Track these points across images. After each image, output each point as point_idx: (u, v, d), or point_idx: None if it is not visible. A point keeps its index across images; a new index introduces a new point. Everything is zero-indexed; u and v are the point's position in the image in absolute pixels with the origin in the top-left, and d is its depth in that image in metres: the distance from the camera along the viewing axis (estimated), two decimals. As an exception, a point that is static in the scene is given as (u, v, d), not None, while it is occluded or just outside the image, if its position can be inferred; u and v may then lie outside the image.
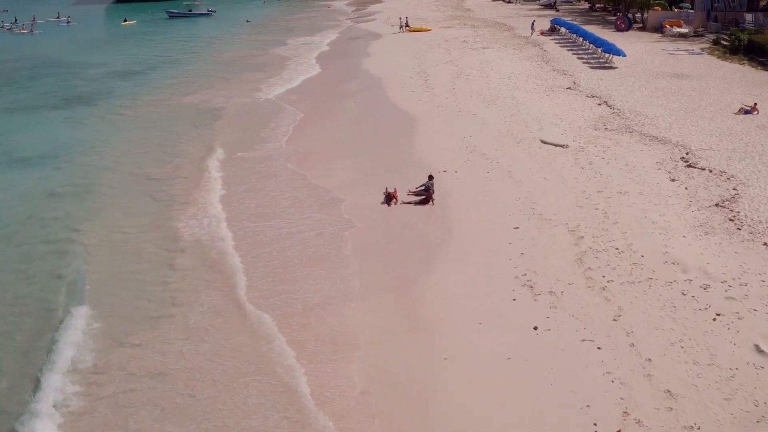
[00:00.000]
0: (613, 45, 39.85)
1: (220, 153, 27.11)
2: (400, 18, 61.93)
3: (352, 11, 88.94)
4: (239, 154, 27.03)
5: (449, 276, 16.59)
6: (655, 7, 55.65)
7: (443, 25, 63.37)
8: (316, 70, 44.15)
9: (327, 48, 53.75)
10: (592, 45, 42.99)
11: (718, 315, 14.31)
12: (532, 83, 35.79)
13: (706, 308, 14.56)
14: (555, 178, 22.20)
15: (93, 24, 78.61)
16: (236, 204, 21.99)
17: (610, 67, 39.08)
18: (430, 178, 21.49)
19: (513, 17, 67.19)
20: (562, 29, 52.28)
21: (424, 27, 61.00)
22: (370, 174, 23.89)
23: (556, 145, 25.25)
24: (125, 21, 74.63)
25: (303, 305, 15.59)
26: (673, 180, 21.62)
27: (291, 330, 14.66)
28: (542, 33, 53.21)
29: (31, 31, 70.28)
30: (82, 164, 26.93)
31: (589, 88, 34.35)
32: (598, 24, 58.78)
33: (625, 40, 48.31)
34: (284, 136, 29.29)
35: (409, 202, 21.08)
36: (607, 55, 39.85)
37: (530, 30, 53.98)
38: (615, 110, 30.01)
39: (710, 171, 22.24)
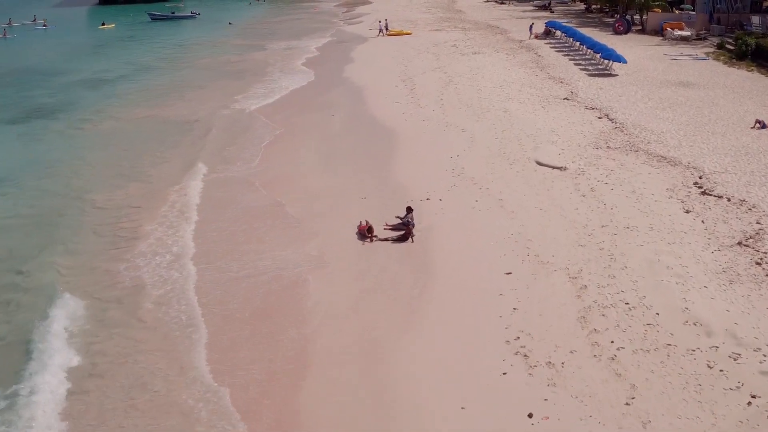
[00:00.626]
0: (612, 50, 37.19)
1: (182, 176, 24.27)
2: (379, 21, 58.96)
3: (340, 13, 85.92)
4: (204, 177, 24.17)
5: (428, 340, 13.86)
6: (655, 9, 53.04)
7: (433, 27, 60.68)
8: (295, 78, 41.24)
9: (308, 53, 50.75)
10: (590, 50, 40.31)
11: (753, 397, 11.64)
12: (526, 93, 33.11)
13: (738, 387, 11.87)
14: (553, 208, 19.50)
15: (70, 27, 75.55)
16: (192, 240, 19.21)
17: (610, 75, 36.44)
18: (409, 210, 18.78)
19: (506, 19, 64.53)
20: (558, 32, 49.63)
21: (405, 30, 58.21)
22: (345, 202, 21.18)
23: (553, 168, 22.57)
24: (103, 25, 71.58)
25: (238, 380, 12.83)
26: (687, 211, 18.93)
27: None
28: (536, 36, 50.55)
29: (4, 35, 67.27)
30: (32, 189, 24.23)
31: (588, 98, 31.68)
32: (595, 26, 56.18)
33: (625, 44, 45.76)
34: (256, 155, 26.38)
35: (386, 239, 18.35)
36: (606, 61, 37.19)
37: (528, 33, 51.24)
38: (617, 124, 27.33)
39: (728, 200, 19.58)
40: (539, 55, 43.38)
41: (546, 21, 54.35)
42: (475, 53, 45.09)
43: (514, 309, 14.57)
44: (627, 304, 14.48)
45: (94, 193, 23.32)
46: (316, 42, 56.55)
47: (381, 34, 56.72)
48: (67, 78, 43.97)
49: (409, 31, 57.66)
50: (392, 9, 79.31)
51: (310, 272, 16.88)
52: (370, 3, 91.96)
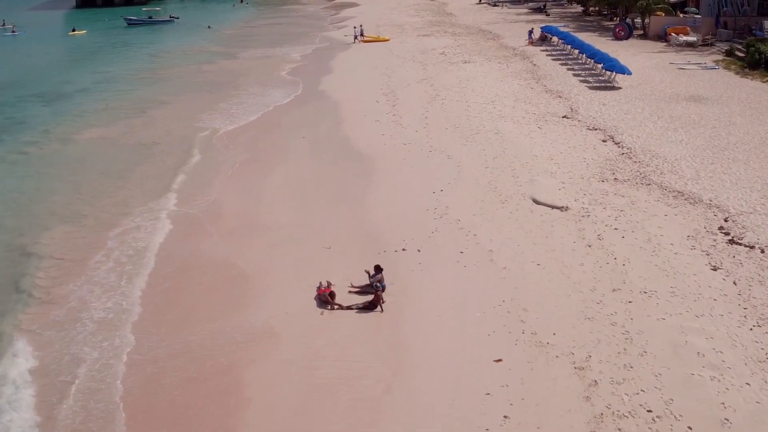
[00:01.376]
0: (616, 61, 33.91)
1: (124, 217, 20.85)
2: (355, 27, 55.41)
3: (326, 16, 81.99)
4: (150, 218, 20.73)
5: (391, 469, 10.56)
6: (658, 12, 49.80)
7: (421, 32, 57.31)
8: (266, 92, 37.63)
9: (287, 63, 47.07)
10: (590, 60, 37.01)
11: None
12: (520, 110, 29.80)
13: None
14: (553, 263, 16.21)
15: (40, 34, 71.53)
16: (121, 303, 15.92)
17: (613, 88, 33.16)
18: (378, 270, 15.51)
19: (499, 23, 61.17)
20: (555, 38, 46.33)
21: (381, 36, 54.61)
22: (306, 251, 17.87)
23: (553, 208, 19.28)
24: (73, 31, 67.77)
25: None
26: (714, 268, 15.66)
27: None
28: (531, 43, 47.25)
29: (-31, 41, 63.83)
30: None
31: (590, 116, 28.38)
32: (593, 31, 52.97)
33: (626, 51, 42.60)
34: (213, 190, 22.87)
35: (350, 307, 15.03)
36: (609, 73, 33.90)
37: (527, 38, 47.85)
38: (624, 149, 24.06)
39: (762, 251, 16.35)
40: (535, 65, 40.10)
41: (541, 25, 50.87)
42: (466, 62, 41.78)
43: (505, 417, 11.30)
44: (650, 411, 11.21)
45: (25, 235, 20.16)
46: (296, 49, 52.90)
47: (356, 40, 53.26)
48: (22, 91, 40.41)
49: (386, 38, 54.11)
50: (380, 12, 76.09)
51: (248, 352, 13.61)
52: (358, 5, 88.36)
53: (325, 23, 72.48)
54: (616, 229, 17.79)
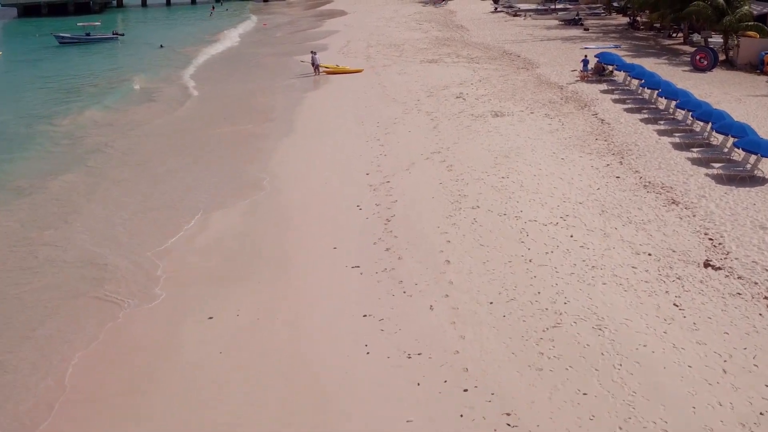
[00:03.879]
0: (753, 133, 20.57)
1: None
2: (313, 52, 40.32)
3: (301, 29, 65.16)
4: None
5: None
6: (750, 33, 36.55)
7: (426, 56, 43.39)
8: (183, 169, 23.95)
9: (224, 109, 33.19)
10: (701, 123, 23.57)
11: None
12: (619, 243, 16.35)
13: None
14: None
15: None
16: None
17: (754, 179, 19.79)
18: None
19: (527, 41, 47.25)
20: (620, 73, 32.92)
21: (342, 67, 39.94)
22: None
23: None
24: (-13, 54, 54.07)
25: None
26: None
27: None
28: (583, 78, 33.78)
29: None
30: None
31: (754, 263, 15.01)
32: (656, 56, 39.75)
33: (722, 93, 29.71)
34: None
35: None
36: (745, 153, 20.39)
37: (579, 71, 34.21)
38: None
39: None
40: (602, 120, 26.68)
41: (595, 51, 36.67)
42: (496, 114, 28.15)
43: None
44: None
45: None
46: (252, 87, 38.55)
47: (317, 71, 39.30)
48: None
49: (357, 69, 39.44)
50: (372, 23, 62.19)
51: None
52: (345, 14, 73.75)
53: (297, 41, 56.70)
54: None
